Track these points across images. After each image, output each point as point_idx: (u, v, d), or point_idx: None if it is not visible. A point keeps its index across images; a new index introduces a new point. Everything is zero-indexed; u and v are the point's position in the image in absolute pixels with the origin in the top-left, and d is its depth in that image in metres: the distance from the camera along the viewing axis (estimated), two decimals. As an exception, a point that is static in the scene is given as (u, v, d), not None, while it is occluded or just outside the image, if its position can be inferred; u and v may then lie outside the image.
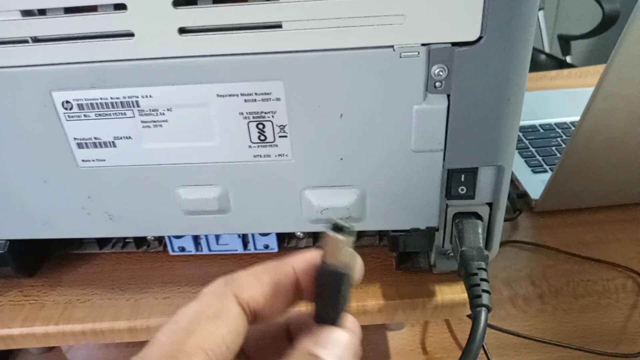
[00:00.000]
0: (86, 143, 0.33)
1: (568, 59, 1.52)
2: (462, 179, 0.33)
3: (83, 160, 0.34)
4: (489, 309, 0.31)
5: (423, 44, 0.29)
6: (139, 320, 0.38)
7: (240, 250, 0.42)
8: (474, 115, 0.31)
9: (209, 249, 0.42)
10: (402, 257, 0.39)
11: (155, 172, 0.34)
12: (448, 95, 0.30)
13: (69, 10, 0.29)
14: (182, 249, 0.42)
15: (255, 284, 0.22)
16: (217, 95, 0.31)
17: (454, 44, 0.29)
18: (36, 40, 0.29)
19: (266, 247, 0.41)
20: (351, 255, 0.21)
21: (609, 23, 1.33)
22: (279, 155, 0.33)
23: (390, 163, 0.33)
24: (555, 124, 0.73)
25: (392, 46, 0.29)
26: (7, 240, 0.39)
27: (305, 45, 0.29)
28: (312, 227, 0.36)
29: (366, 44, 0.29)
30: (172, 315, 0.21)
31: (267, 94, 0.31)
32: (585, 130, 0.49)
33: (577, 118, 0.74)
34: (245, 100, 0.31)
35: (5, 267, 0.39)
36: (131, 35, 0.29)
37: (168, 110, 0.32)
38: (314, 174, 0.33)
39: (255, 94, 0.31)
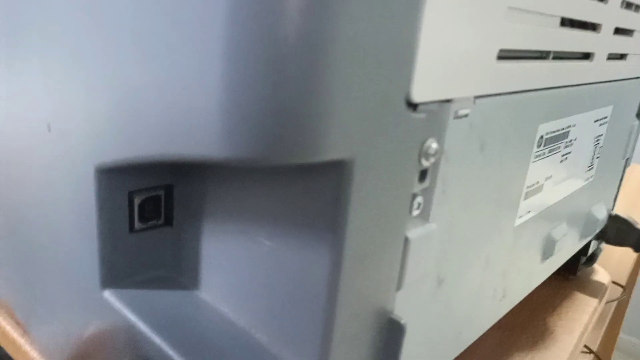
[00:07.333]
0: (533, 189, 0.26)
1: None
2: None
3: (521, 215, 0.26)
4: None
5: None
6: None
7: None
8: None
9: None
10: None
11: (552, 210, 0.30)
12: (642, 114, 0.42)
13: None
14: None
15: None
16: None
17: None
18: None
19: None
20: None
21: None
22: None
23: (610, 169, 0.41)
24: None
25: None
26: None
27: None
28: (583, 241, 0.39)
29: None
30: None
31: None
32: None
33: None
34: None
35: None
36: None
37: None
38: (603, 189, 0.37)
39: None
